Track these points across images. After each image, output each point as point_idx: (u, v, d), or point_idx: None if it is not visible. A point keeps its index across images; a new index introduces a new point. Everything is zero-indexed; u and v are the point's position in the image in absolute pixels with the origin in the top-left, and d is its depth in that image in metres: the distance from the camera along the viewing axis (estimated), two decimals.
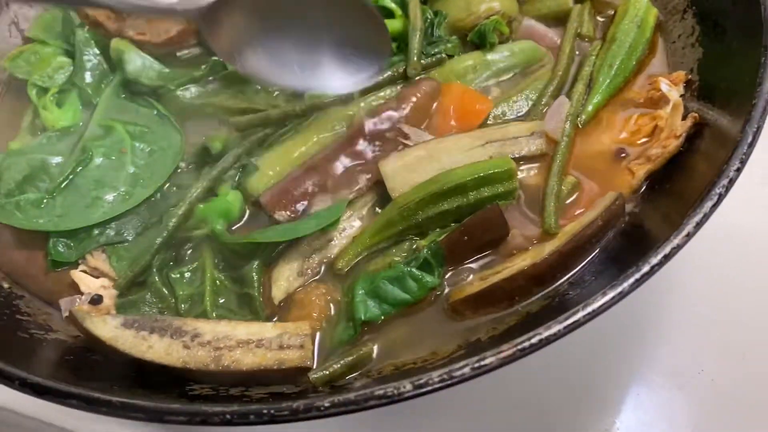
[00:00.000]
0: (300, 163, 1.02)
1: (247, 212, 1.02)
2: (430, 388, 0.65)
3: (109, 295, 0.94)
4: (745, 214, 1.09)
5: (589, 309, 0.69)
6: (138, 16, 1.17)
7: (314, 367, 0.86)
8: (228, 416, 0.65)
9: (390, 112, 1.03)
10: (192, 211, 1.00)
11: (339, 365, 0.86)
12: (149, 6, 0.86)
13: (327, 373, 0.85)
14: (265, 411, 0.65)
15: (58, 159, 1.07)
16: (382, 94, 1.07)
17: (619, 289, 0.70)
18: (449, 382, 0.66)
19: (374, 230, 0.96)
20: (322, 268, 0.96)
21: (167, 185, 1.04)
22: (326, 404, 0.65)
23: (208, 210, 0.99)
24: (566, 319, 0.69)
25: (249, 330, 0.90)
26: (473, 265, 0.94)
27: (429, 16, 1.17)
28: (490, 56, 1.11)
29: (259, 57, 0.94)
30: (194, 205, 1.00)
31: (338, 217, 0.96)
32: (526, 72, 1.12)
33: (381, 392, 0.65)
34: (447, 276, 0.94)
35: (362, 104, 1.06)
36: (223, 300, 0.95)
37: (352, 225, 0.99)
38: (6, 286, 0.95)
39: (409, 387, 0.65)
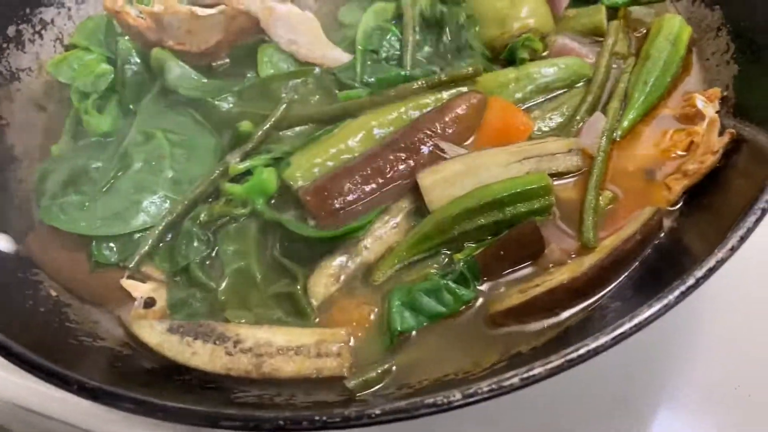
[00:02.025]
0: (337, 162, 1.04)
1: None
2: (479, 397, 0.66)
3: (161, 297, 0.97)
4: None
5: (636, 321, 0.70)
6: (178, 27, 1.20)
7: (349, 375, 0.87)
8: (281, 422, 0.66)
9: (432, 123, 1.04)
10: (219, 185, 1.03)
11: (375, 373, 0.87)
12: None
13: (363, 380, 0.86)
14: (317, 418, 0.66)
15: (98, 164, 1.10)
16: (423, 101, 1.09)
17: (665, 301, 0.71)
18: (498, 392, 0.66)
19: (411, 243, 0.97)
20: (360, 275, 0.98)
21: None
22: (377, 412, 0.66)
23: (247, 190, 1.02)
24: (613, 330, 0.70)
25: (288, 336, 0.91)
26: (510, 278, 0.95)
27: (461, 21, 1.19)
28: (533, 70, 1.12)
29: None
30: (219, 181, 1.03)
31: (367, 222, 0.97)
32: (570, 88, 1.12)
33: (431, 401, 0.66)
34: (483, 289, 0.94)
35: (402, 109, 1.08)
36: (267, 297, 0.97)
37: (387, 231, 1.00)
38: (54, 294, 0.97)
39: (458, 396, 0.66)
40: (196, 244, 1.00)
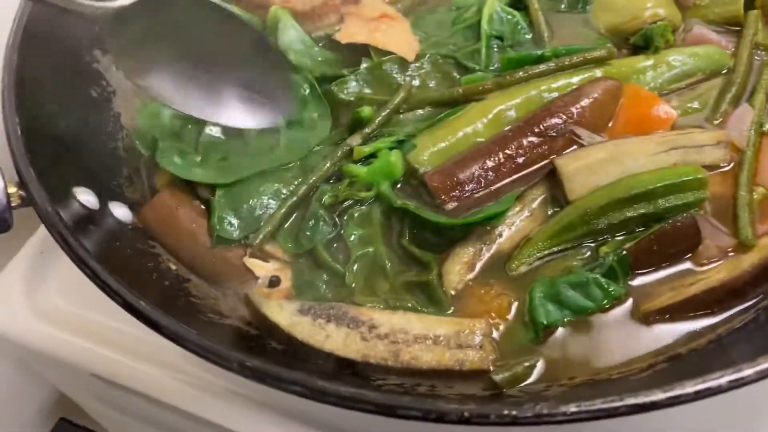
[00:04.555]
0: (465, 145, 1.00)
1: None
2: (684, 398, 0.61)
3: (286, 276, 0.93)
4: None
5: None
6: None
7: (491, 370, 0.82)
8: (466, 414, 0.61)
9: (567, 108, 0.98)
10: (342, 167, 1.00)
11: (522, 367, 0.82)
12: None
13: (512, 374, 0.81)
14: (506, 412, 0.61)
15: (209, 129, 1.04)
16: (555, 85, 1.03)
17: None
18: (704, 394, 0.61)
19: (551, 233, 0.92)
20: (495, 264, 0.92)
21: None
22: (573, 409, 0.61)
23: (372, 172, 0.97)
24: None
25: (424, 324, 0.87)
26: (659, 275, 0.90)
27: None
28: (672, 57, 1.06)
29: (162, 78, 0.92)
30: (341, 162, 1.00)
31: (505, 209, 0.92)
32: (708, 78, 1.07)
33: (632, 401, 0.61)
34: (632, 284, 0.89)
35: (532, 92, 1.03)
36: (397, 286, 0.92)
37: (522, 219, 0.95)
38: (174, 268, 0.93)
39: (661, 396, 0.61)
40: (322, 225, 0.96)
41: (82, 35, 1.08)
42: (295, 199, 0.98)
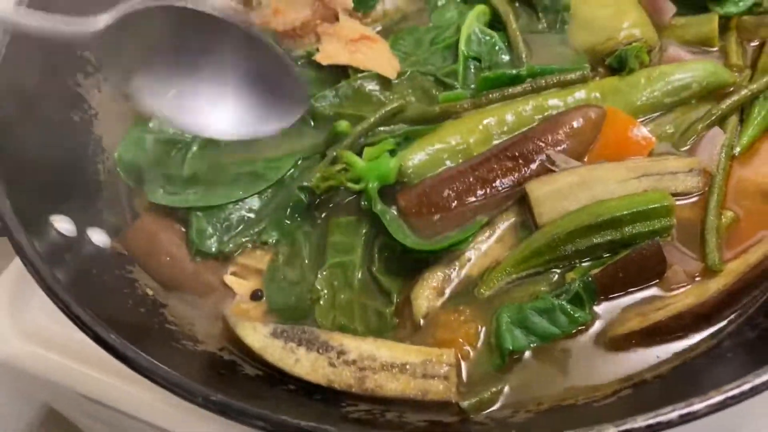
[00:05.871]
0: (453, 159, 1.02)
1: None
2: None
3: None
4: None
5: None
6: (266, 5, 1.17)
7: (454, 401, 0.84)
8: None
9: (545, 135, 0.99)
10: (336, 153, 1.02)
11: (489, 393, 0.84)
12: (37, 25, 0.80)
13: (477, 401, 0.83)
14: None
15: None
16: (527, 107, 1.04)
17: None
18: (655, 428, 0.62)
19: (520, 258, 0.93)
20: (463, 289, 0.94)
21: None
22: None
23: (368, 168, 0.98)
24: None
25: (393, 353, 0.88)
26: (625, 301, 0.91)
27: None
28: (672, 76, 1.06)
29: (162, 92, 0.89)
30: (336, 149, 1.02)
31: (470, 235, 0.94)
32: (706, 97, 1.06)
33: None
34: (598, 310, 0.90)
35: (510, 116, 1.04)
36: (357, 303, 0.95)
37: (491, 245, 0.96)
38: (150, 293, 0.94)
39: (612, 431, 0.62)
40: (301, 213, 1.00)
41: (64, 59, 1.10)
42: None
